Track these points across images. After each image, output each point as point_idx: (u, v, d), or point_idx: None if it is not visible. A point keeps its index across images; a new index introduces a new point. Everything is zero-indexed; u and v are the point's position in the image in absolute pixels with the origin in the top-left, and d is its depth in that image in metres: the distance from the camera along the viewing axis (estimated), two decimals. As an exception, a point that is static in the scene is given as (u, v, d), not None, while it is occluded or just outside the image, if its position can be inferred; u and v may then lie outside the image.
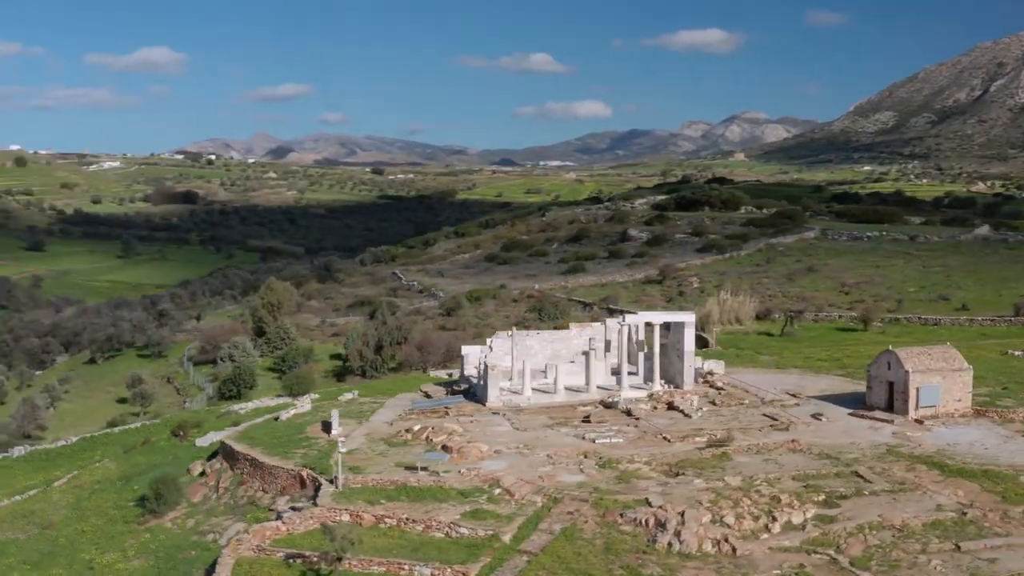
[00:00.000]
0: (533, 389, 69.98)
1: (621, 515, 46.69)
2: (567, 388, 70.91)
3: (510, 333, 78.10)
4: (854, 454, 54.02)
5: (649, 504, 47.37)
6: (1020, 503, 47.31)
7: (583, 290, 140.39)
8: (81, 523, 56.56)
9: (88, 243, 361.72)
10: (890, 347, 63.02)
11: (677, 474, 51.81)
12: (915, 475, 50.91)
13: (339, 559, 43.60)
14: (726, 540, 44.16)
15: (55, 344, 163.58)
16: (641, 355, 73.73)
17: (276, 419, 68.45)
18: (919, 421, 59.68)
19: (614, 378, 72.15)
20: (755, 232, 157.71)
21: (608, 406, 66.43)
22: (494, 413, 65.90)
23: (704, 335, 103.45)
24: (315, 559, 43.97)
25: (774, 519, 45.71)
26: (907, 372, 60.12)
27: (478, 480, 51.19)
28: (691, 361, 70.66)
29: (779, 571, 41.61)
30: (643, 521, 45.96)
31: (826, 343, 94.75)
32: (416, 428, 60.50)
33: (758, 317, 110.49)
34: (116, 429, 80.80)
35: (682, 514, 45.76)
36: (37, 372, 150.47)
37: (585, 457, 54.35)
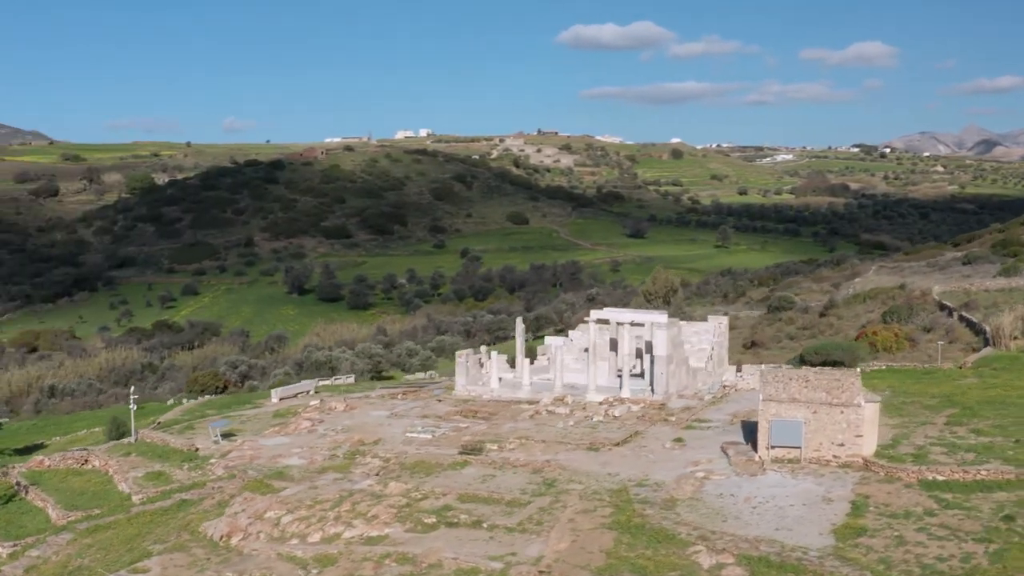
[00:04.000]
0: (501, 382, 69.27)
1: (241, 498, 48.26)
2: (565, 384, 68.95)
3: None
4: (575, 487, 46.61)
5: (277, 494, 48.04)
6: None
7: (982, 294, 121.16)
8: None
9: (693, 232, 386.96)
10: (761, 365, 50.81)
11: (378, 474, 50.43)
12: (562, 516, 42.95)
13: (27, 490, 53.37)
14: (249, 536, 43.84)
15: (509, 321, 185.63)
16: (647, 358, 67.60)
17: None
18: (758, 462, 47.92)
19: (627, 379, 67.63)
20: None
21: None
22: (438, 401, 67.15)
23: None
24: (22, 487, 53.99)
25: (322, 530, 43.64)
26: (760, 399, 48.53)
27: (219, 450, 55.73)
28: (662, 367, 63.24)
29: (235, 572, 40.88)
30: (238, 508, 47.14)
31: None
32: (313, 403, 65.35)
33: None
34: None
35: (253, 508, 46.09)
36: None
37: (341, 447, 55.03)
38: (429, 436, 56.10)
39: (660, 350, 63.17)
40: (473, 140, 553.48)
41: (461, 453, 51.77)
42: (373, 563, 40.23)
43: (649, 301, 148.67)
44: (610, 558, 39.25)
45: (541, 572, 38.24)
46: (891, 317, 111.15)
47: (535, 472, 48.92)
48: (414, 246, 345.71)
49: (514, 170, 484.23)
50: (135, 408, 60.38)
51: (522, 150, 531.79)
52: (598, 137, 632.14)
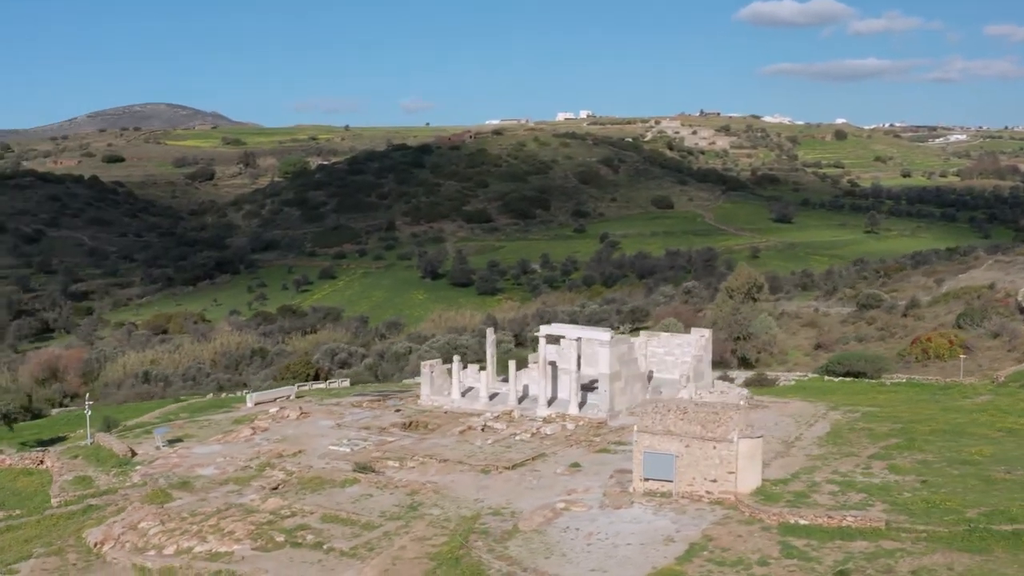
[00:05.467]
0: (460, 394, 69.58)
1: (132, 507, 50.67)
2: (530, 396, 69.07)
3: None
4: (435, 512, 46.86)
5: (163, 504, 50.29)
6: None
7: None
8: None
9: (845, 216, 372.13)
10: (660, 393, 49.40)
11: (276, 488, 51.92)
12: (396, 543, 43.25)
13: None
14: (117, 546, 46.10)
15: (612, 311, 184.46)
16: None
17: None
18: (628, 495, 46.99)
19: (574, 395, 66.94)
20: None
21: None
22: (396, 411, 68.15)
23: None
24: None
25: (178, 543, 45.42)
26: (635, 430, 47.47)
27: (151, 457, 58.47)
28: (605, 385, 62.36)
29: (79, 585, 43.35)
30: (123, 516, 49.54)
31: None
32: (273, 410, 67.50)
33: None
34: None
35: (132, 517, 48.37)
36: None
37: (259, 458, 56.73)
38: (348, 450, 57.16)
39: (604, 367, 62.28)
40: (628, 122, 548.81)
41: (353, 470, 52.64)
42: (198, 580, 41.78)
43: (731, 297, 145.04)
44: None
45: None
46: (965, 320, 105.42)
47: (411, 494, 49.27)
48: (555, 230, 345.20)
49: (667, 152, 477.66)
50: (90, 412, 63.75)
51: (677, 132, 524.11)
52: (764, 118, 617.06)
